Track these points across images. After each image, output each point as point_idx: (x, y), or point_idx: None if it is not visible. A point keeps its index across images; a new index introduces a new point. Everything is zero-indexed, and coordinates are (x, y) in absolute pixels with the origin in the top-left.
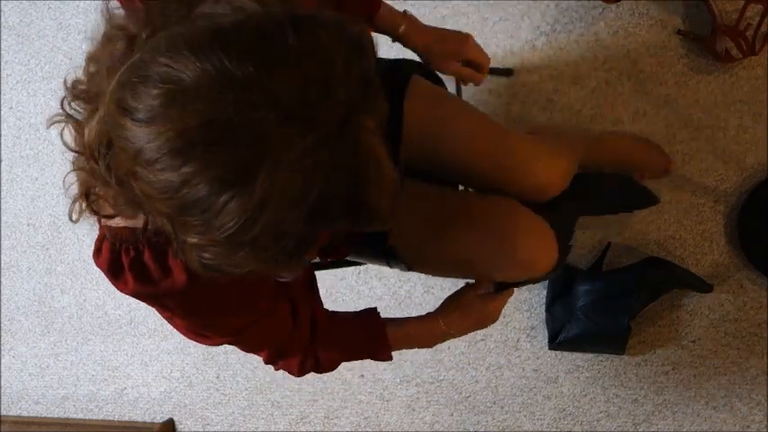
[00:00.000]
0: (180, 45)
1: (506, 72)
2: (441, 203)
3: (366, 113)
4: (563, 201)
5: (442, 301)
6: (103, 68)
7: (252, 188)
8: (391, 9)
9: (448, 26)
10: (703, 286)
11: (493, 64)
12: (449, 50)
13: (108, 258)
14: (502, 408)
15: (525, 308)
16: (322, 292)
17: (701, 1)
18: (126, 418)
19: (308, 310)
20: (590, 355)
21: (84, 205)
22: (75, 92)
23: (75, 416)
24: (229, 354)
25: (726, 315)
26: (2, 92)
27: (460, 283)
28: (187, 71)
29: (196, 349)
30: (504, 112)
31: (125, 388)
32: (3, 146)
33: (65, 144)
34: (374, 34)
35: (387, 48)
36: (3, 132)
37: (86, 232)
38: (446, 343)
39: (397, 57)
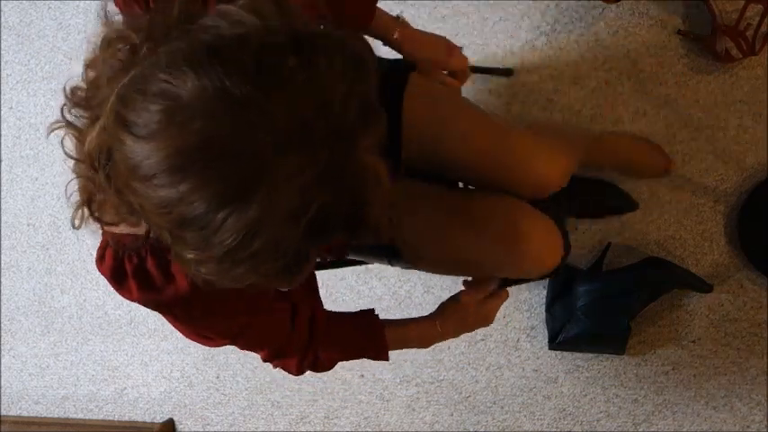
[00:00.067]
0: (179, 61)
1: (506, 72)
2: (444, 202)
3: (364, 133)
4: (550, 202)
5: (441, 300)
6: (104, 76)
7: (249, 206)
8: (385, 14)
9: (448, 26)
10: (703, 286)
11: (493, 64)
12: (438, 62)
13: (111, 266)
14: (502, 408)
15: (525, 308)
16: (322, 292)
17: (701, 1)
18: (126, 418)
19: (307, 310)
20: (590, 355)
21: (86, 212)
22: (75, 99)
23: (75, 416)
24: (229, 354)
25: (726, 315)
26: (2, 92)
27: (461, 282)
28: (186, 88)
29: (196, 349)
30: (504, 112)
31: (125, 388)
32: (3, 146)
33: (65, 152)
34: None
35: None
36: (3, 132)
37: (86, 232)
38: (446, 343)
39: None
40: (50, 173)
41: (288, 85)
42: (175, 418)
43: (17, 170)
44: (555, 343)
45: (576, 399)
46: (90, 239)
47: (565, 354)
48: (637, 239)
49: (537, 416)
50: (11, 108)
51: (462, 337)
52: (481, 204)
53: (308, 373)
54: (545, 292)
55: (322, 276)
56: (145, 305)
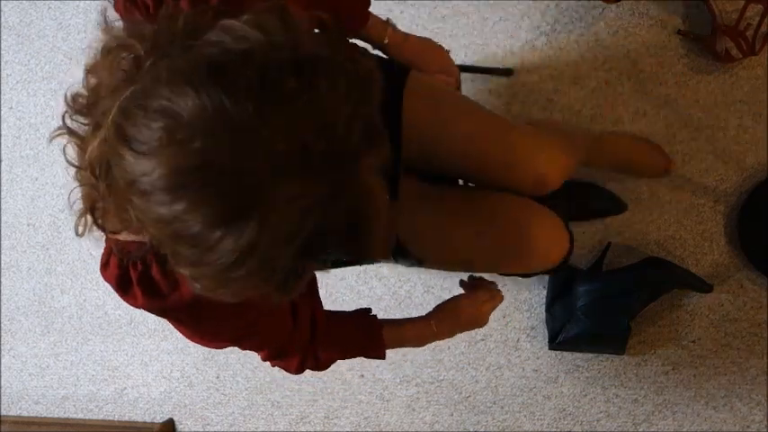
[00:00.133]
0: (181, 78)
1: (506, 72)
2: (447, 202)
3: (366, 155)
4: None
5: (441, 300)
6: (106, 85)
7: (245, 227)
8: (375, 18)
9: (448, 26)
10: (703, 286)
11: (493, 64)
12: (427, 64)
13: (116, 273)
14: (502, 408)
15: (525, 308)
16: (322, 293)
17: (701, 1)
18: (126, 418)
19: (307, 311)
20: (590, 355)
21: (89, 220)
22: (77, 106)
23: (75, 416)
24: (229, 354)
25: (726, 315)
26: (2, 92)
27: (458, 282)
28: (186, 107)
29: (196, 349)
30: (504, 112)
31: (125, 388)
32: (3, 146)
33: (68, 161)
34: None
35: None
36: (3, 132)
37: (86, 233)
38: (446, 343)
39: None
40: (50, 173)
41: (288, 107)
42: (175, 418)
43: (17, 170)
44: (555, 343)
45: (575, 399)
46: (90, 240)
47: (565, 354)
48: (637, 239)
49: (537, 416)
50: (11, 108)
51: (462, 336)
52: (485, 203)
53: (308, 372)
54: (545, 292)
55: (322, 276)
56: (149, 311)
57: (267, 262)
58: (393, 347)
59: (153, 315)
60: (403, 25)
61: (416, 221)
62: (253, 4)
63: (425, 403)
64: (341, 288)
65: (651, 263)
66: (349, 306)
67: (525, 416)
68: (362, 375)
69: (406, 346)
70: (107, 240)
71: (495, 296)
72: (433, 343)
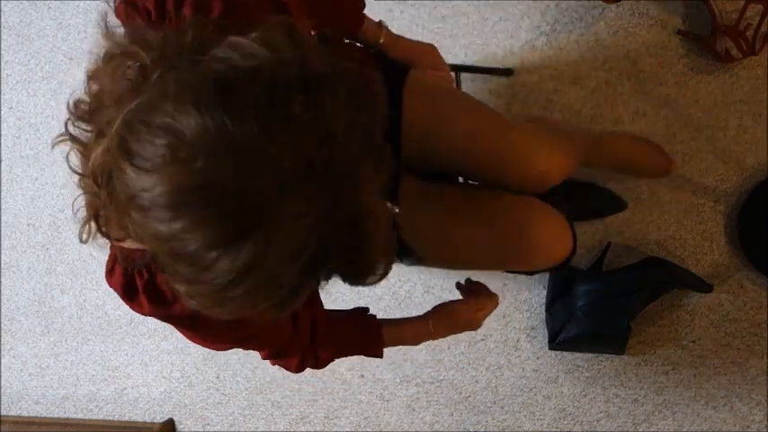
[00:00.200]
0: (186, 95)
1: (506, 72)
2: (448, 201)
3: (368, 175)
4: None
5: (441, 300)
6: (109, 92)
7: (242, 248)
8: (370, 20)
9: (448, 26)
10: (703, 286)
11: (493, 64)
12: (421, 63)
13: (122, 281)
14: (502, 408)
15: (525, 308)
16: (322, 293)
17: (701, 1)
18: (126, 418)
19: (308, 315)
20: (590, 355)
21: (93, 227)
22: (79, 113)
23: (75, 416)
24: (229, 354)
25: (726, 315)
26: (2, 92)
27: (461, 281)
28: (189, 125)
29: (196, 349)
30: (504, 111)
31: (125, 388)
32: (3, 146)
33: (71, 168)
34: None
35: None
36: (3, 132)
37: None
38: (446, 343)
39: None
40: (50, 173)
41: (293, 128)
42: (175, 418)
43: (17, 170)
44: (555, 343)
45: (575, 399)
46: (93, 246)
47: (565, 354)
48: (637, 239)
49: (537, 416)
50: (11, 108)
51: (462, 336)
52: (485, 202)
53: (308, 372)
54: (545, 292)
55: None
56: (155, 317)
57: (262, 284)
58: (390, 346)
59: None
60: (403, 25)
61: (416, 220)
62: (259, 17)
63: (425, 403)
64: (341, 288)
65: (651, 263)
66: (349, 305)
67: (525, 416)
68: (362, 375)
69: (402, 345)
70: (111, 247)
71: (492, 302)
72: (434, 343)
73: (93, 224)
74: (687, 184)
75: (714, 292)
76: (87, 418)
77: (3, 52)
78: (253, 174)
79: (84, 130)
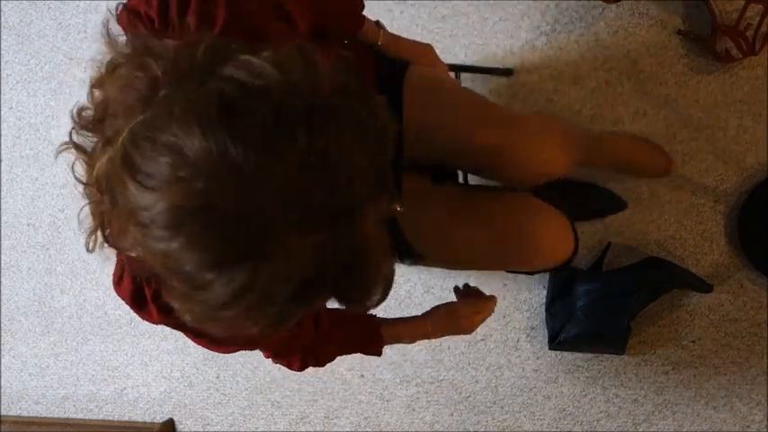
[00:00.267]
0: (191, 115)
1: (506, 72)
2: (450, 201)
3: (370, 206)
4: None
5: (441, 300)
6: (114, 100)
7: (238, 272)
8: (369, 21)
9: (448, 26)
10: (703, 286)
11: (493, 64)
12: (418, 61)
13: (130, 290)
14: (502, 408)
15: (525, 308)
16: None
17: (701, 1)
18: (126, 418)
19: (311, 317)
20: (590, 355)
21: (100, 236)
22: (83, 122)
23: (75, 416)
24: (229, 354)
25: (726, 315)
26: (2, 92)
27: (461, 281)
28: (192, 146)
29: (196, 349)
30: None
31: (125, 388)
32: (3, 146)
33: (76, 178)
34: None
35: None
36: (3, 132)
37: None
38: (446, 343)
39: None
40: (50, 173)
41: (295, 154)
42: (175, 418)
43: (17, 170)
44: (555, 343)
45: (576, 399)
46: (100, 256)
47: (565, 354)
48: (637, 239)
49: (537, 416)
50: (11, 108)
51: (462, 336)
52: (484, 203)
53: (308, 372)
54: (545, 292)
55: None
56: (165, 325)
57: (267, 302)
58: (389, 344)
59: None
60: (403, 25)
61: (417, 221)
62: (272, 36)
63: (425, 403)
64: None
65: (651, 263)
66: None
67: (525, 416)
68: (362, 375)
69: (400, 343)
70: (118, 256)
71: (490, 304)
72: (434, 343)
73: (99, 233)
74: (687, 184)
75: (714, 292)
76: (87, 418)
77: (3, 52)
78: (256, 195)
79: (88, 138)
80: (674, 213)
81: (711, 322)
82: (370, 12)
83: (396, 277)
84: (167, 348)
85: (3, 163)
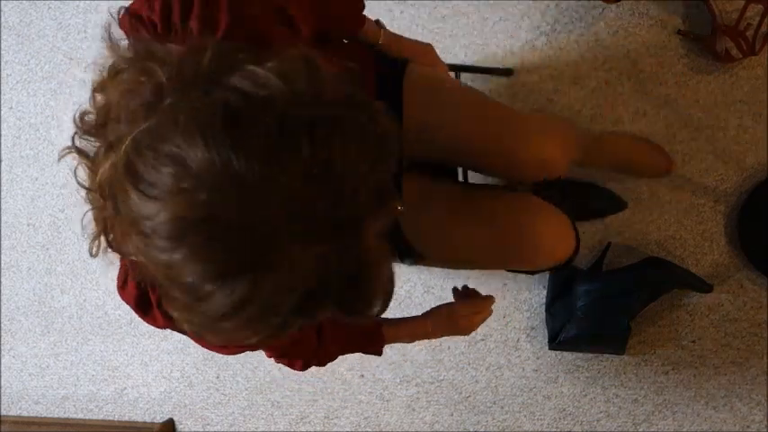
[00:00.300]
0: (195, 125)
1: (506, 72)
2: (450, 200)
3: (372, 219)
4: (557, 194)
5: (441, 300)
6: (117, 105)
7: (238, 284)
8: (370, 21)
9: (448, 26)
10: (703, 286)
11: (493, 64)
12: (418, 61)
13: (135, 294)
14: (502, 408)
15: (525, 308)
16: None
17: (701, 1)
18: (126, 418)
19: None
20: (590, 355)
21: (103, 241)
22: (86, 126)
23: (75, 416)
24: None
25: (726, 315)
26: (2, 92)
27: (460, 282)
28: (195, 158)
29: (196, 349)
30: None
31: (125, 388)
32: (3, 146)
33: (79, 183)
34: None
35: None
36: (3, 132)
37: (86, 233)
38: (446, 343)
39: None
40: (50, 173)
41: (299, 165)
42: (175, 418)
43: (17, 170)
44: (555, 343)
45: (575, 399)
46: (101, 258)
47: (565, 354)
48: (637, 239)
49: (537, 416)
50: (11, 108)
51: (462, 337)
52: (485, 203)
53: (308, 371)
54: (545, 292)
55: None
56: (171, 330)
57: (268, 314)
58: (389, 343)
59: None
60: (403, 25)
61: (418, 220)
62: (275, 41)
63: (425, 403)
64: None
65: (651, 263)
66: None
67: (525, 416)
68: (362, 375)
69: (399, 342)
70: (122, 260)
71: (489, 304)
72: (434, 343)
73: (102, 239)
74: (687, 184)
75: (714, 292)
76: (87, 418)
77: (3, 52)
78: (260, 205)
79: (91, 143)
80: (674, 213)
81: (711, 322)
82: (370, 11)
83: (395, 277)
84: (167, 348)
85: (3, 163)
